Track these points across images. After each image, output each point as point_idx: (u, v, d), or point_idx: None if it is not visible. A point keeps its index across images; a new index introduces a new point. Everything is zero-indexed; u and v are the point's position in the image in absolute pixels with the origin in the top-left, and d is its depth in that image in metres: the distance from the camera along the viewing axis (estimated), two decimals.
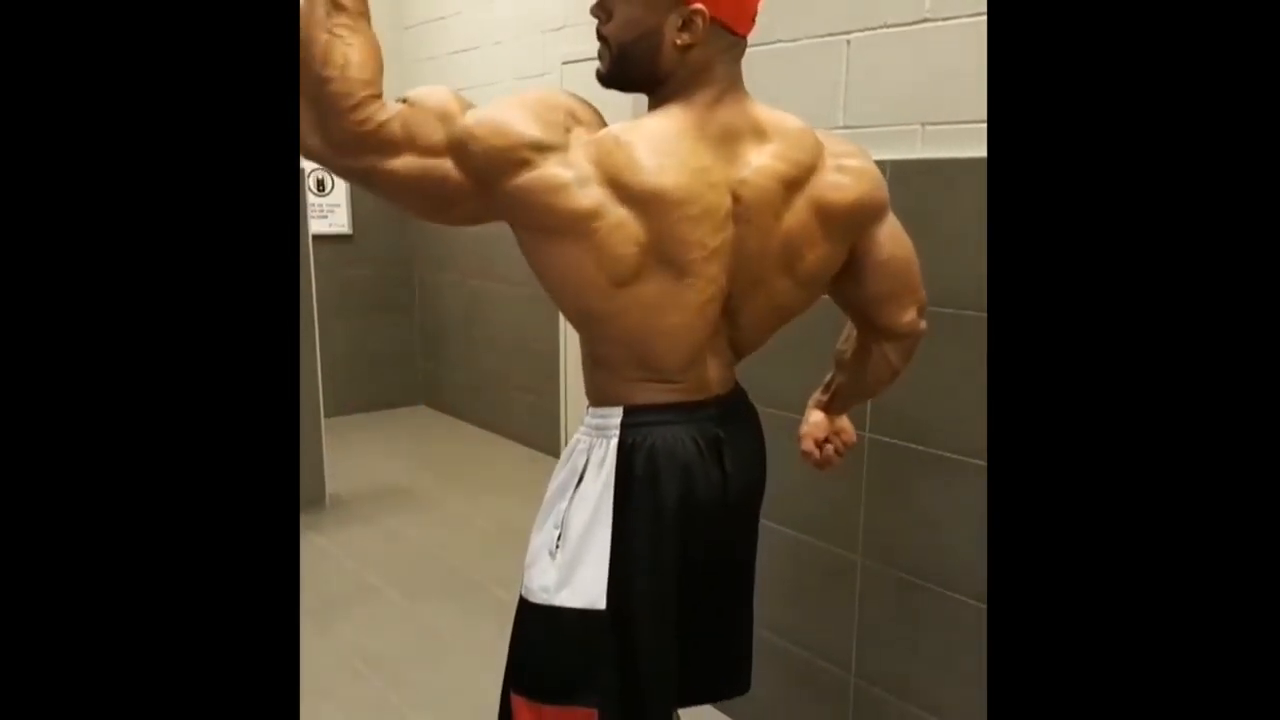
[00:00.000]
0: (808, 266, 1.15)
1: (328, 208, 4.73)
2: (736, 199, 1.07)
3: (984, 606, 1.59)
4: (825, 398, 1.43)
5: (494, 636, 2.55)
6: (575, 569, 1.14)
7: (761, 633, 1.96)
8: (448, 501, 3.76)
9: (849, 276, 1.23)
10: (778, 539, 1.93)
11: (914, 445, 1.67)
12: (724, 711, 2.11)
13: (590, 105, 1.08)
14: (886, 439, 1.72)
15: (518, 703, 1.19)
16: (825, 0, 1.68)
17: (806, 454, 1.41)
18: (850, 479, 1.78)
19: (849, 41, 1.66)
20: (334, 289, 4.65)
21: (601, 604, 1.13)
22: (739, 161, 1.08)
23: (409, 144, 1.00)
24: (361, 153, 1.00)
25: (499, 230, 1.12)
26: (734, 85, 1.09)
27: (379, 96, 0.99)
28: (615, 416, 1.15)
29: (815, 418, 1.43)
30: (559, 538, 1.16)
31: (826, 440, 1.41)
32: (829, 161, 1.13)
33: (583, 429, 1.19)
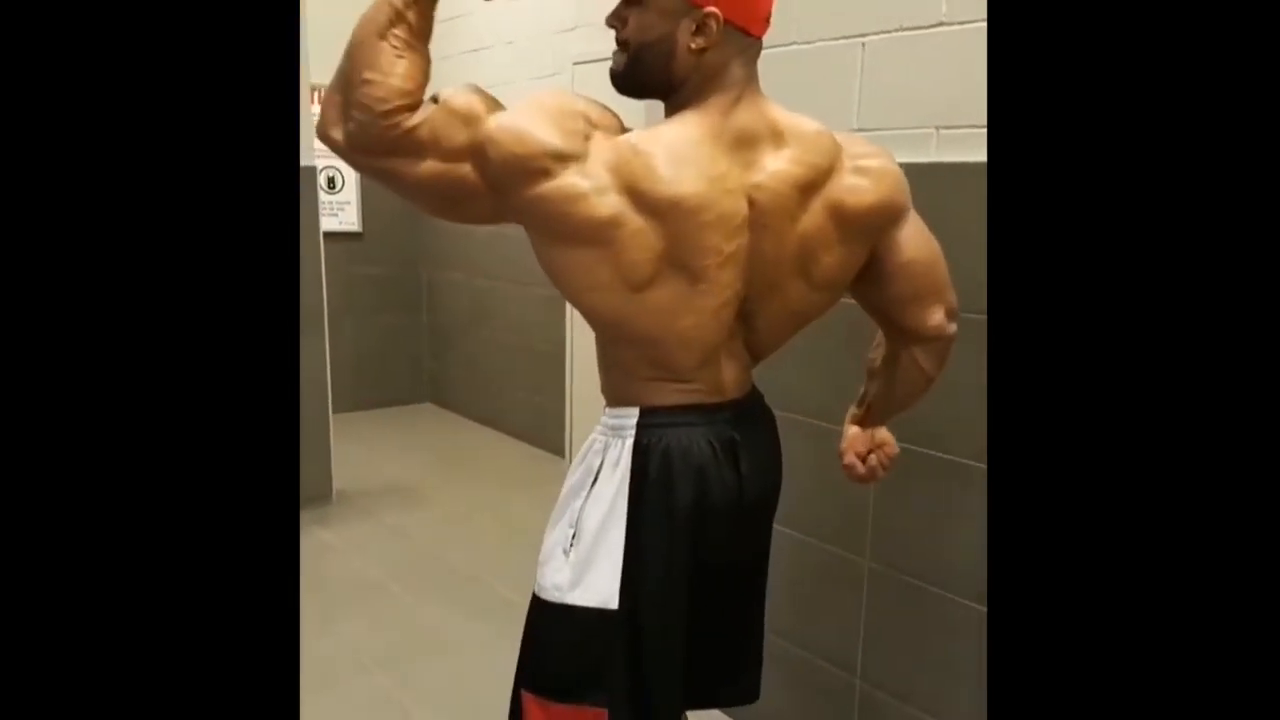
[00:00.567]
0: (824, 270, 1.15)
1: (338, 205, 4.74)
2: (752, 204, 1.07)
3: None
4: (860, 411, 1.39)
5: (497, 633, 2.55)
6: (588, 568, 1.14)
7: (767, 635, 1.96)
8: (452, 499, 3.76)
9: (871, 279, 1.22)
10: (784, 542, 1.93)
11: (923, 450, 1.67)
12: (728, 713, 2.11)
13: (608, 109, 1.08)
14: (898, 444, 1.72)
15: (528, 701, 1.19)
16: (841, 3, 1.69)
17: (849, 468, 1.36)
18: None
19: (864, 44, 1.66)
20: (343, 286, 4.66)
21: (614, 603, 1.13)
22: (755, 166, 1.08)
23: (433, 147, 1.01)
24: (385, 155, 1.01)
25: (507, 230, 1.12)
26: (750, 87, 1.09)
27: (414, 108, 1.00)
28: (631, 417, 1.15)
29: (853, 432, 1.39)
30: (573, 536, 1.16)
31: (870, 453, 1.36)
32: (846, 164, 1.13)
33: (598, 429, 1.19)
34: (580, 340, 4.02)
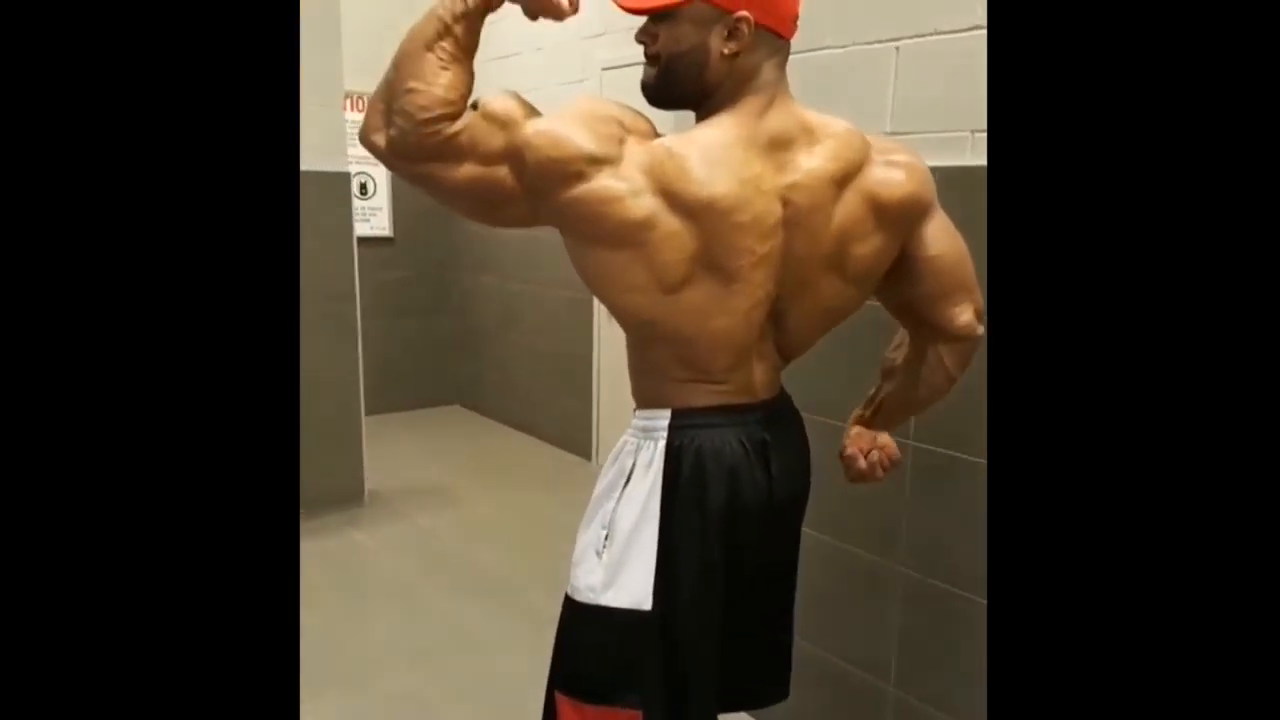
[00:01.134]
0: (857, 263, 1.15)
1: (370, 211, 4.80)
2: (786, 204, 1.08)
3: None
4: (867, 413, 1.37)
5: (526, 633, 2.57)
6: (622, 569, 1.15)
7: (798, 640, 1.95)
8: (482, 500, 3.79)
9: (900, 275, 1.22)
10: (817, 547, 1.93)
11: (957, 454, 1.66)
12: (759, 718, 2.10)
13: (642, 115, 1.09)
14: (929, 447, 1.71)
15: (562, 702, 1.20)
16: (875, 7, 1.69)
17: (850, 459, 1.33)
18: (893, 487, 1.77)
19: (898, 48, 1.66)
20: (374, 290, 4.71)
21: (647, 604, 1.13)
22: (790, 167, 1.09)
23: (471, 152, 1.03)
24: (426, 160, 1.04)
25: (537, 234, 1.14)
26: (781, 90, 1.10)
27: (456, 117, 1.02)
28: (663, 419, 1.16)
29: (856, 430, 1.37)
30: (606, 538, 1.17)
31: (871, 450, 1.35)
32: (876, 158, 1.14)
33: (630, 431, 1.20)
34: (608, 344, 4.03)
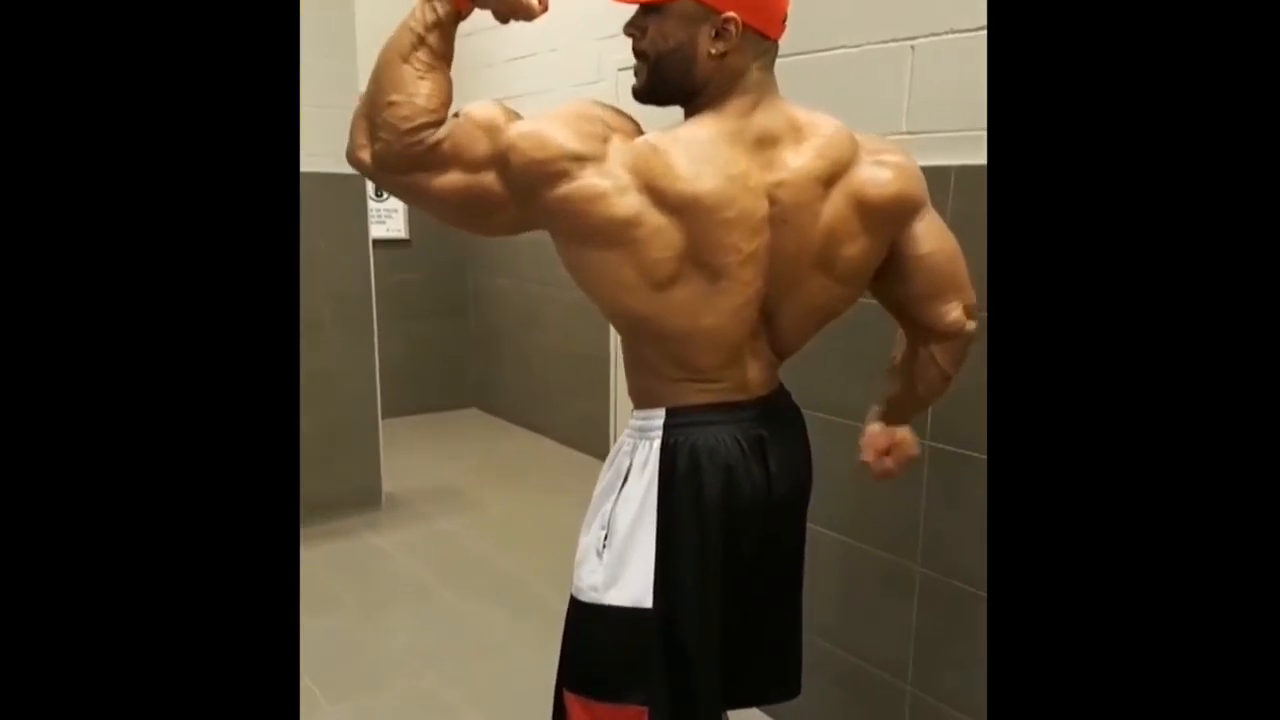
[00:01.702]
0: (845, 263, 1.15)
1: (385, 213, 4.82)
2: (773, 202, 1.08)
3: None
4: (880, 409, 1.41)
5: (542, 634, 2.57)
6: (622, 568, 1.16)
7: (816, 640, 1.95)
8: (499, 503, 3.80)
9: (891, 274, 1.22)
10: (834, 547, 1.92)
11: (974, 453, 1.65)
12: (775, 717, 2.10)
13: (626, 114, 1.10)
14: (947, 447, 1.70)
15: (571, 700, 1.21)
16: (889, 6, 1.68)
17: (866, 464, 1.40)
18: (910, 487, 1.76)
19: (913, 47, 1.65)
20: (390, 293, 4.73)
21: (648, 601, 1.14)
22: (776, 165, 1.09)
23: (456, 160, 1.04)
24: (410, 170, 1.05)
25: (550, 237, 1.15)
26: (769, 90, 1.11)
27: (438, 125, 1.03)
28: (658, 418, 1.17)
29: (874, 428, 1.41)
30: (605, 538, 1.18)
31: (888, 452, 1.39)
32: (866, 158, 1.14)
33: (627, 431, 1.22)
34: None
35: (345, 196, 3.35)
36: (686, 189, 1.03)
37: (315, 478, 3.22)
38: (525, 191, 1.04)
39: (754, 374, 1.19)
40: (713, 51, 1.06)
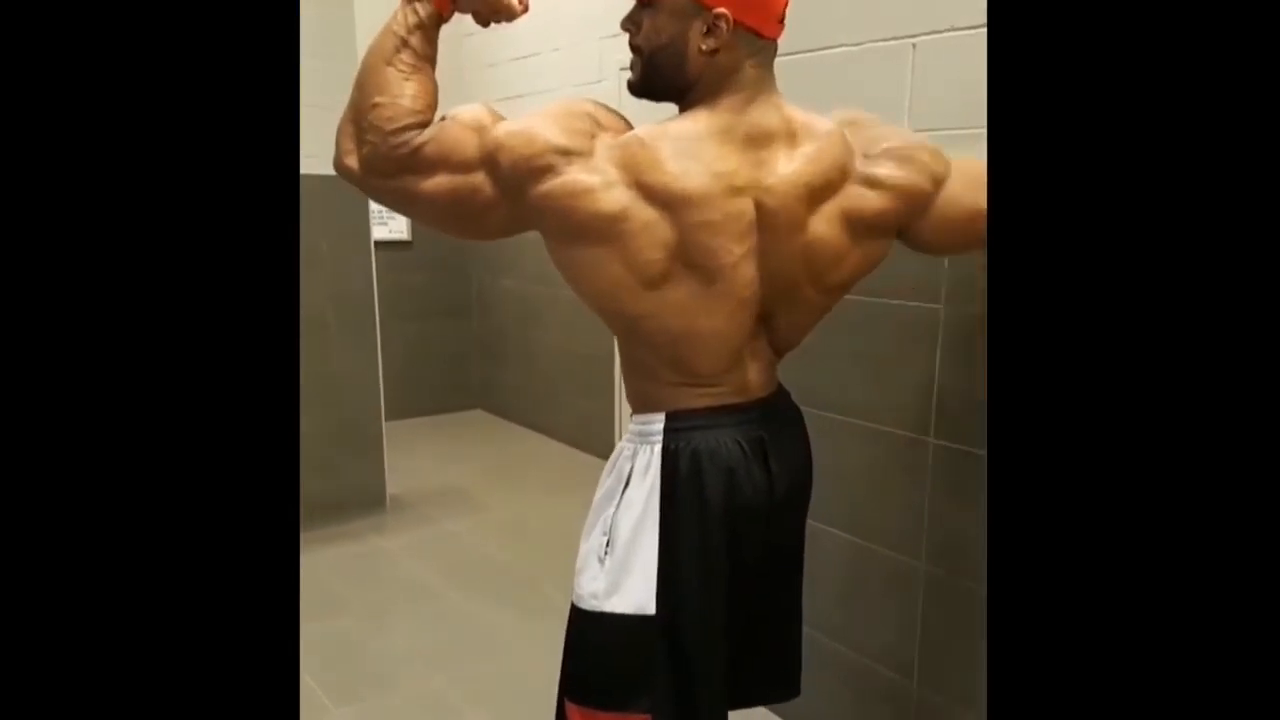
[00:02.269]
0: (835, 279, 1.16)
1: (387, 214, 4.82)
2: (759, 206, 1.08)
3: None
4: None
5: (548, 635, 2.55)
6: (624, 575, 1.15)
7: (823, 639, 1.95)
8: (504, 504, 3.80)
9: (928, 232, 1.19)
10: (839, 545, 1.92)
11: (981, 451, 1.65)
12: (782, 716, 2.10)
13: (615, 111, 1.10)
14: (951, 444, 1.70)
15: (573, 711, 1.20)
16: (890, 4, 1.67)
17: None
18: (916, 485, 1.76)
19: (915, 45, 1.64)
20: (393, 295, 4.73)
21: (651, 609, 1.13)
22: (767, 166, 1.08)
23: (443, 162, 1.03)
24: (397, 174, 1.04)
25: None
26: (764, 89, 1.10)
27: (424, 126, 1.03)
28: (658, 423, 1.16)
29: None
30: (607, 544, 1.17)
31: None
32: (858, 168, 1.12)
33: (627, 436, 1.21)
34: None
35: (346, 198, 3.33)
36: (674, 185, 1.03)
37: (319, 480, 3.22)
38: (514, 189, 1.04)
39: (754, 376, 1.19)
40: (704, 48, 1.06)
